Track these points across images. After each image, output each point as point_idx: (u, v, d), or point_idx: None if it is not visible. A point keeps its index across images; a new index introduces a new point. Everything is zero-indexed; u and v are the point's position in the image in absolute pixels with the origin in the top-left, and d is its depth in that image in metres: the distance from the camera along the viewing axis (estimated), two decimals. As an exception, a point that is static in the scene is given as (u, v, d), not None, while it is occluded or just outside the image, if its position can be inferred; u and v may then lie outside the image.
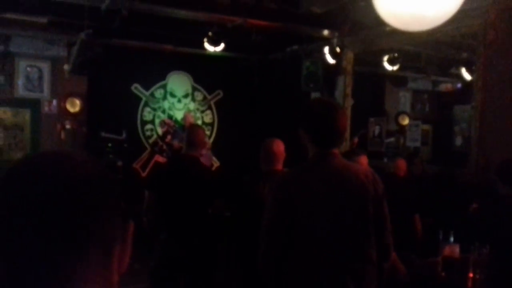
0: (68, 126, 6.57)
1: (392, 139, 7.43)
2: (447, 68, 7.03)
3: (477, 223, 2.81)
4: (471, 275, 2.42)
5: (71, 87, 6.59)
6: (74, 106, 6.52)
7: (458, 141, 4.69)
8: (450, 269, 2.54)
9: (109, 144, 6.46)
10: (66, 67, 6.16)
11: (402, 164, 4.09)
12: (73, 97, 6.53)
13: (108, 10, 4.77)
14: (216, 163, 7.53)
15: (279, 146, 3.08)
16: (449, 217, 3.35)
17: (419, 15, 1.99)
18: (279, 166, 3.05)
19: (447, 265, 2.55)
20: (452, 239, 2.59)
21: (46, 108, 6.67)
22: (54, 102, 6.68)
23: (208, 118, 7.82)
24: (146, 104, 7.34)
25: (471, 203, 3.43)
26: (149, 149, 7.21)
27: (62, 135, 6.56)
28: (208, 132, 7.68)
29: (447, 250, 2.55)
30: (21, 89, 6.51)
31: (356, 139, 5.88)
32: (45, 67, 6.63)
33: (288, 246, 1.89)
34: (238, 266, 3.60)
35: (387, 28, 5.17)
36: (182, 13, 5.12)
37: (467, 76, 6.50)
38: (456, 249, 2.55)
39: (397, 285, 2.53)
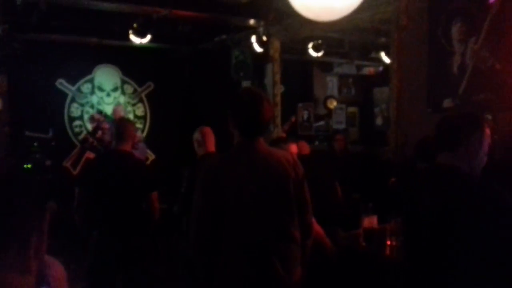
0: (-12, 127, 6.21)
1: (322, 123, 7.74)
2: (368, 53, 7.41)
3: (394, 195, 3.06)
4: (388, 242, 2.66)
5: (-11, 86, 6.22)
6: (-7, 105, 6.17)
7: (379, 121, 5.04)
8: (370, 239, 2.77)
9: (35, 144, 6.21)
10: (-18, 64, 5.81)
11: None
12: (-8, 96, 6.17)
13: (24, 3, 4.56)
14: (151, 156, 7.46)
15: (204, 130, 3.51)
16: (371, 191, 3.61)
17: (328, 6, 2.14)
18: (212, 148, 3.45)
19: (368, 235, 2.78)
20: (371, 211, 2.81)
21: (-37, 109, 6.26)
22: (-29, 102, 6.27)
23: (140, 111, 7.71)
24: (73, 100, 7.10)
25: (390, 177, 3.72)
26: (79, 146, 7.00)
27: (-18, 137, 6.20)
28: (141, 125, 7.58)
29: (366, 222, 2.77)
30: None
31: (286, 127, 6.08)
32: (-42, 65, 6.19)
33: (217, 231, 1.96)
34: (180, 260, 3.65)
35: (310, 16, 5.38)
36: (105, 5, 5.01)
37: (386, 59, 6.90)
38: (374, 220, 2.78)
39: (325, 258, 2.72)
